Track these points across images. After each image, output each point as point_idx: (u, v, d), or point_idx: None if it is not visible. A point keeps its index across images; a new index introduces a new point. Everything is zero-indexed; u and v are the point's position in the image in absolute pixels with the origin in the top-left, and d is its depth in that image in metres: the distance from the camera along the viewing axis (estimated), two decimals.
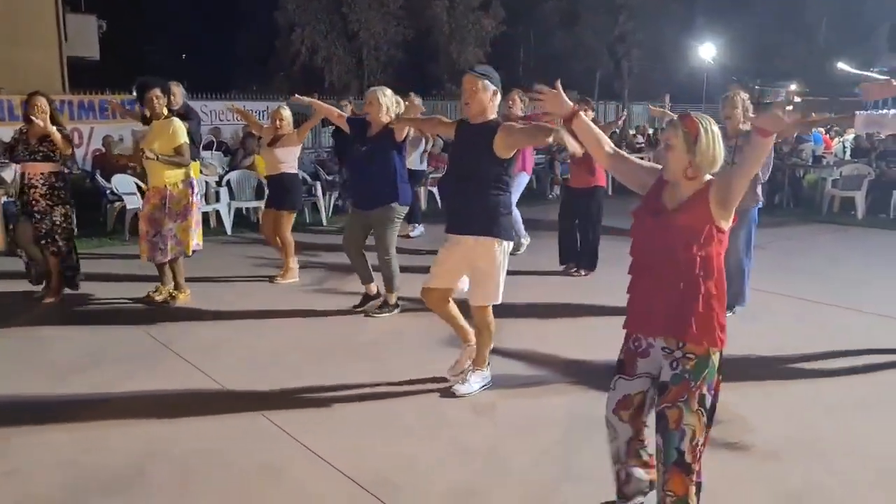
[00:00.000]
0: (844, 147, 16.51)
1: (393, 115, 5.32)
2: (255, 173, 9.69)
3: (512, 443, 3.50)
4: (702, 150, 2.49)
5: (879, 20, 27.22)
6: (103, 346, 4.85)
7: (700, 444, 2.54)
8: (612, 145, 2.89)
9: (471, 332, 4.19)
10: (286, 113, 6.60)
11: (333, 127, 9.24)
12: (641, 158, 3.44)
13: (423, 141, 9.12)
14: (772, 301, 5.91)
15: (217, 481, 3.15)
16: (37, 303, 5.85)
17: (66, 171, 5.91)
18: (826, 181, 11.35)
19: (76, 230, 6.37)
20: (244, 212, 10.01)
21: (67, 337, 5.07)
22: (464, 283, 4.14)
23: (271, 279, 6.67)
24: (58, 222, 5.77)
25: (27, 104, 5.64)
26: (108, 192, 9.16)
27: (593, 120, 7.20)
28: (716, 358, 2.53)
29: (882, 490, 3.11)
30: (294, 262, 6.74)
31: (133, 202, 8.63)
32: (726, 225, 2.53)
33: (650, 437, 2.67)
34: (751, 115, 5.18)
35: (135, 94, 5.95)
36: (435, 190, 10.96)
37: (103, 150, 10.72)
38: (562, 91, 2.84)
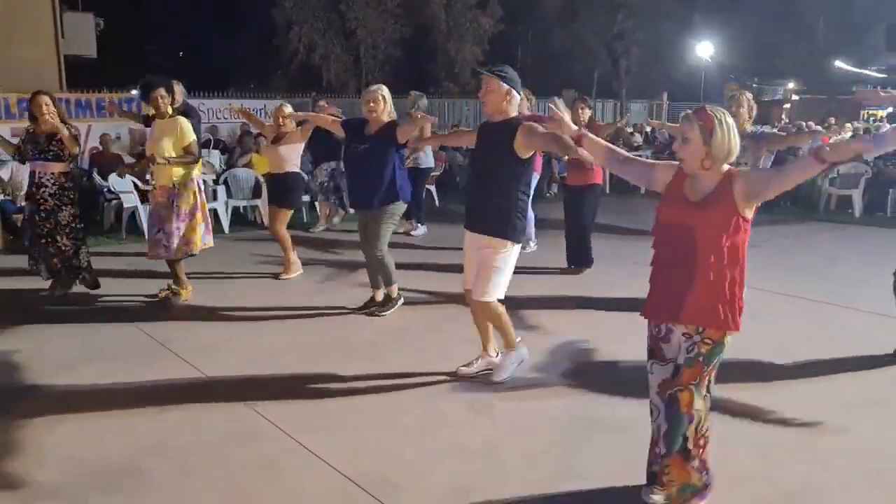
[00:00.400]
0: None
1: (394, 115, 5.34)
2: (252, 171, 9.67)
3: (511, 443, 3.49)
4: (717, 143, 2.57)
5: (877, 19, 27.24)
6: (100, 344, 4.84)
7: (705, 430, 2.60)
8: (622, 152, 3.02)
9: (509, 336, 4.24)
10: (288, 110, 6.58)
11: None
12: (639, 157, 3.53)
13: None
14: (770, 299, 5.91)
15: (216, 479, 3.15)
16: (39, 300, 5.83)
17: (75, 169, 5.88)
18: (823, 179, 11.36)
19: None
20: (241, 210, 10.00)
21: (65, 334, 5.05)
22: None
23: (276, 276, 6.68)
24: (63, 222, 5.74)
25: (30, 104, 5.62)
26: (105, 190, 9.14)
27: (590, 118, 7.20)
28: (727, 340, 2.63)
29: (882, 490, 3.11)
30: (294, 256, 6.77)
31: (130, 200, 8.61)
32: (750, 213, 2.62)
33: None
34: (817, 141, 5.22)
35: (139, 93, 5.93)
36: (433, 188, 10.95)
37: (100, 148, 10.70)
38: (564, 117, 3.11)
